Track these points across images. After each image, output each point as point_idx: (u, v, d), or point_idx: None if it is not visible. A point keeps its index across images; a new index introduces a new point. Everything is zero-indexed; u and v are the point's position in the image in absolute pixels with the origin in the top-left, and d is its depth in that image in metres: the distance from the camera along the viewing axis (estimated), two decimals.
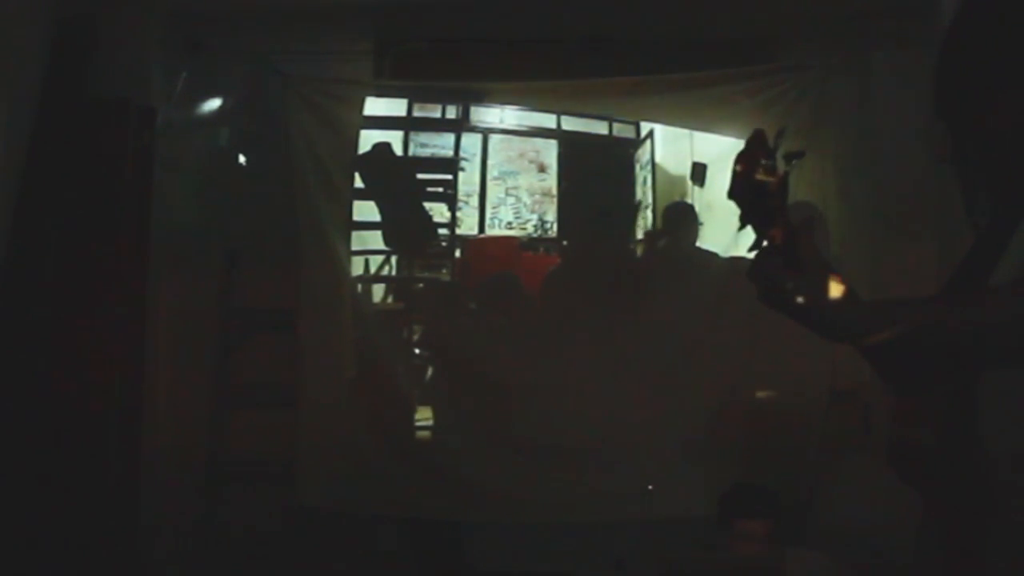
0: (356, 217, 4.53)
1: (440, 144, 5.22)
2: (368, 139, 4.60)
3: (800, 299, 1.37)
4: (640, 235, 5.10)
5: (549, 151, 5.36)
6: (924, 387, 1.44)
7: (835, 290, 1.37)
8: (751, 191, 1.39)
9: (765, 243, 1.41)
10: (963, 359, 1.38)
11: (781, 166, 1.43)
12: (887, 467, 1.49)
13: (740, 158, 1.39)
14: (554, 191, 5.32)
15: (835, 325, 1.37)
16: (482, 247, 5.21)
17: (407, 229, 4.84)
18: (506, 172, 5.34)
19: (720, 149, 4.62)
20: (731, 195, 1.41)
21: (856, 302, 1.38)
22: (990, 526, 1.38)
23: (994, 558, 1.38)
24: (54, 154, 3.61)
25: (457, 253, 5.07)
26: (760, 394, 4.32)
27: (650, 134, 5.18)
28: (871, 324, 1.36)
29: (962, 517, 1.42)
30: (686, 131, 4.90)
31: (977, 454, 1.38)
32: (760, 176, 1.38)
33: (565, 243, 5.12)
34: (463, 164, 5.23)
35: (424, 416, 4.52)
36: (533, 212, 5.28)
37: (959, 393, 1.40)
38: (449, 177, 5.16)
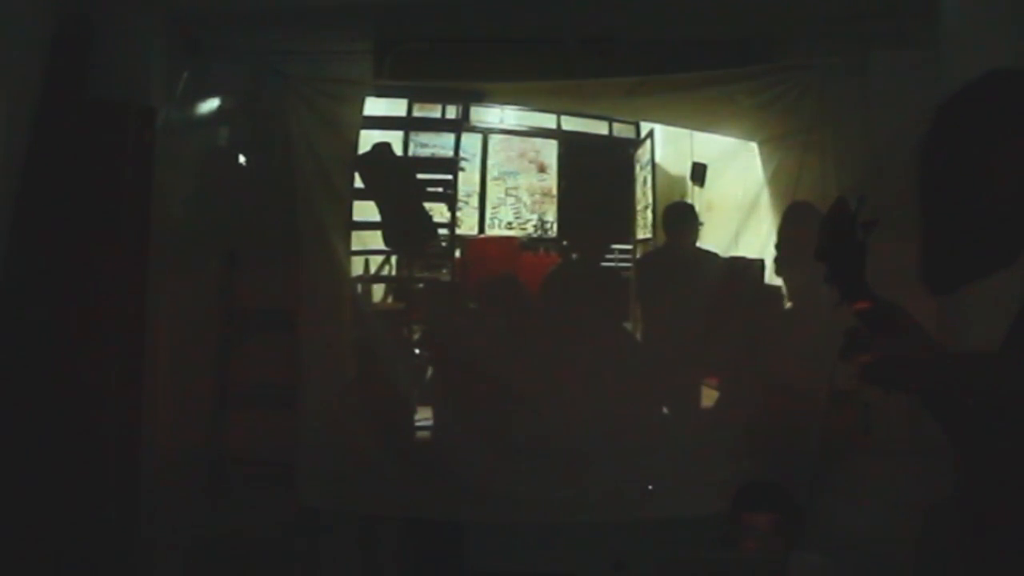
0: (356, 217, 4.52)
1: (440, 144, 5.21)
2: (368, 139, 4.60)
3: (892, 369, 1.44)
4: (640, 235, 5.09)
5: (549, 151, 5.35)
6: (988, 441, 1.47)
7: (929, 349, 1.45)
8: (835, 254, 1.51)
9: (853, 306, 1.51)
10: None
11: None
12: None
13: (826, 222, 1.53)
14: (554, 191, 5.31)
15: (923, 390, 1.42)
16: (482, 247, 5.21)
17: (407, 229, 4.83)
18: (506, 172, 5.34)
19: (720, 149, 4.62)
20: (819, 256, 1.54)
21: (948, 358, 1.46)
22: None
23: None
24: (54, 154, 3.61)
25: (457, 253, 5.06)
26: (760, 394, 4.32)
27: (650, 134, 5.18)
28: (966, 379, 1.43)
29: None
30: (686, 131, 4.89)
31: None
32: (841, 241, 1.50)
33: (565, 243, 5.11)
34: (463, 164, 5.22)
35: (424, 416, 4.52)
36: (533, 212, 5.28)
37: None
38: (449, 177, 5.16)
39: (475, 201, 5.26)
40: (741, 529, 3.19)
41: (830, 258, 1.50)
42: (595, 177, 5.23)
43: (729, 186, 4.52)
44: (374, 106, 4.63)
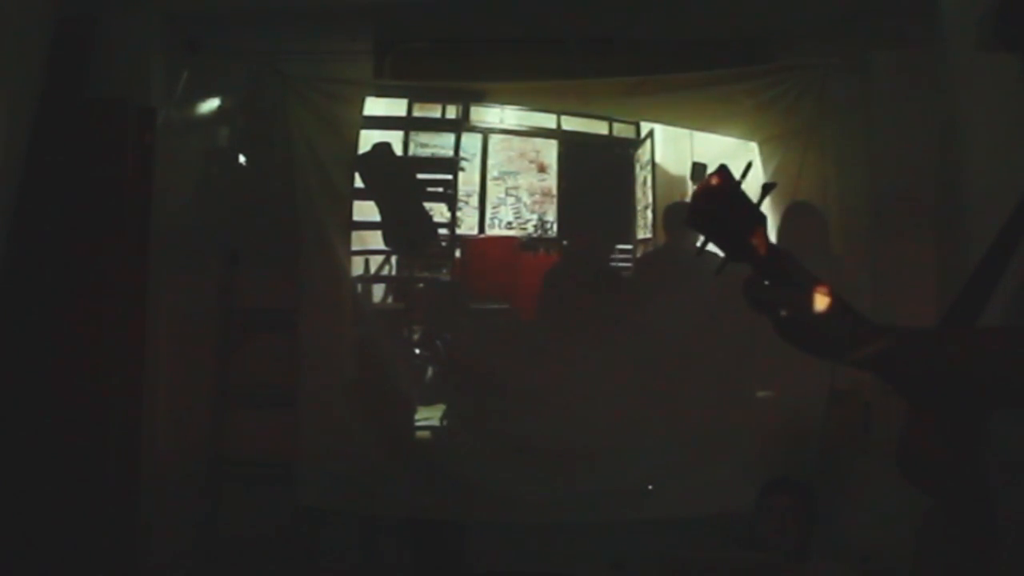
0: (356, 217, 4.53)
1: (440, 144, 5.21)
2: (368, 139, 4.60)
3: (793, 318, 1.43)
4: (640, 235, 5.09)
5: (549, 151, 5.35)
6: (934, 401, 1.47)
7: (827, 306, 1.40)
8: (714, 219, 1.54)
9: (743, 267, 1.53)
10: (953, 390, 1.41)
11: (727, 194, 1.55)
12: (898, 471, 1.51)
13: (703, 191, 1.54)
14: (554, 191, 5.31)
15: (830, 344, 1.40)
16: (482, 247, 5.21)
17: (407, 229, 4.83)
18: (506, 172, 5.34)
19: (720, 149, 4.62)
20: (692, 223, 1.56)
21: (852, 320, 1.41)
22: (991, 529, 1.40)
23: (992, 558, 1.40)
24: (54, 154, 3.61)
25: (457, 253, 5.06)
26: (760, 395, 4.32)
27: (650, 134, 5.18)
28: (864, 345, 1.40)
29: (966, 519, 1.44)
30: (686, 131, 4.89)
31: (980, 462, 1.42)
32: (725, 204, 1.52)
33: (565, 243, 5.11)
34: (463, 164, 5.22)
35: (424, 416, 4.52)
36: (533, 212, 5.28)
37: (967, 406, 1.43)
38: (449, 177, 5.16)
39: (475, 201, 5.26)
40: (762, 510, 3.37)
41: (712, 224, 1.54)
42: (595, 177, 5.22)
43: None
44: (374, 106, 4.63)
